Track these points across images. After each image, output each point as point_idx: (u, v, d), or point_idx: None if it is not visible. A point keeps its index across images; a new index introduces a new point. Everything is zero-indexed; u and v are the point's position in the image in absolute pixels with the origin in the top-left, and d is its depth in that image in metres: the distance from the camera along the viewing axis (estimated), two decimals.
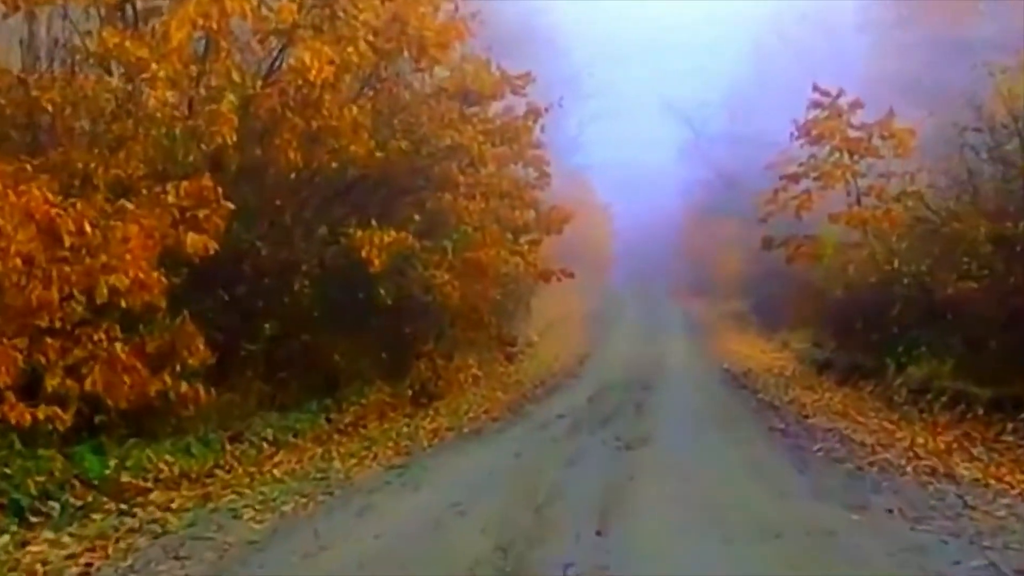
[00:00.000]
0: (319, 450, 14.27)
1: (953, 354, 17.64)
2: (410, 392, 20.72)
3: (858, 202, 22.72)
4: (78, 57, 13.29)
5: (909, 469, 11.50)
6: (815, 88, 23.12)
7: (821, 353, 24.53)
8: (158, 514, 9.70)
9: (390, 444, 14.73)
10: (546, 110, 23.20)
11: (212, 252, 12.86)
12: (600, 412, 18.15)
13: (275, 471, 12.37)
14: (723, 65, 48.57)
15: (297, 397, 17.26)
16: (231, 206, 13.22)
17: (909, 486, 10.48)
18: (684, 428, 16.05)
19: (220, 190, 13.06)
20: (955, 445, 13.15)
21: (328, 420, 16.96)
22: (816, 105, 23.08)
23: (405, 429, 16.36)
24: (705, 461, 12.60)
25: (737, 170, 43.68)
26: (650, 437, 14.64)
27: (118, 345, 11.54)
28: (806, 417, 16.90)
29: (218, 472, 12.43)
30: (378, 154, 17.24)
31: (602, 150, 51.90)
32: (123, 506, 10.02)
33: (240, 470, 12.52)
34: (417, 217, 18.34)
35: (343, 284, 17.75)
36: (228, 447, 13.76)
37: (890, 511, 9.06)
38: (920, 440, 13.60)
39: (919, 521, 8.65)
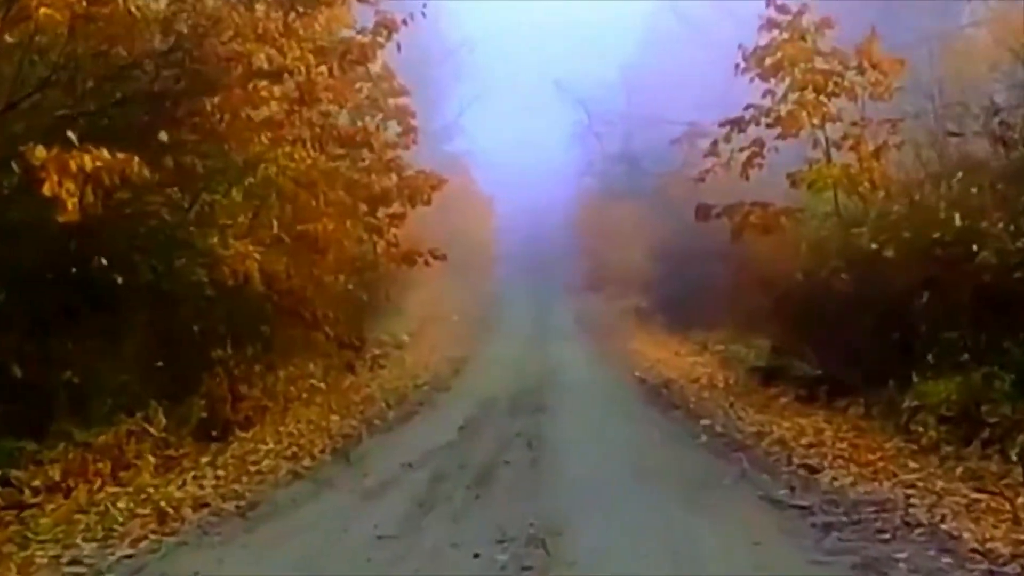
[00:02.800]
0: None
1: (1012, 365, 10.67)
2: (204, 417, 12.98)
3: (828, 157, 15.69)
4: None
5: None
6: (769, 3, 15.97)
7: (775, 359, 17.33)
8: None
9: (55, 551, 6.93)
10: (404, 22, 15.58)
11: None
12: (474, 458, 10.70)
13: None
14: (617, 42, 41.54)
15: None
16: None
17: None
18: (622, 500, 8.55)
19: None
20: None
21: (6, 483, 9.17)
22: (772, 25, 15.94)
23: (121, 505, 8.52)
24: None
25: (636, 153, 36.81)
26: (568, 529, 7.14)
27: None
28: (811, 470, 9.61)
29: None
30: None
31: (485, 135, 44.44)
32: None
33: None
34: (164, 138, 10.38)
35: (46, 247, 9.92)
36: None
37: None
38: None
39: None
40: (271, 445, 11.95)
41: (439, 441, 11.95)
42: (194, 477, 9.85)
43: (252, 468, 10.38)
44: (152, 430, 11.91)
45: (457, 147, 44.25)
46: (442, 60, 43.65)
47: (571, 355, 23.99)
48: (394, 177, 20.13)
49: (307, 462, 10.86)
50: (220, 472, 10.13)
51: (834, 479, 9.06)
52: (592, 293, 37.28)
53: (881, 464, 9.72)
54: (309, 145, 15.12)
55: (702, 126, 28.74)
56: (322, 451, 11.61)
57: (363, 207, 19.22)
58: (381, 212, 19.98)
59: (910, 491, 8.35)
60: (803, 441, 11.38)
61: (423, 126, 35.96)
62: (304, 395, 16.87)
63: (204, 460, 10.77)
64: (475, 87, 44.02)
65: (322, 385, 18.06)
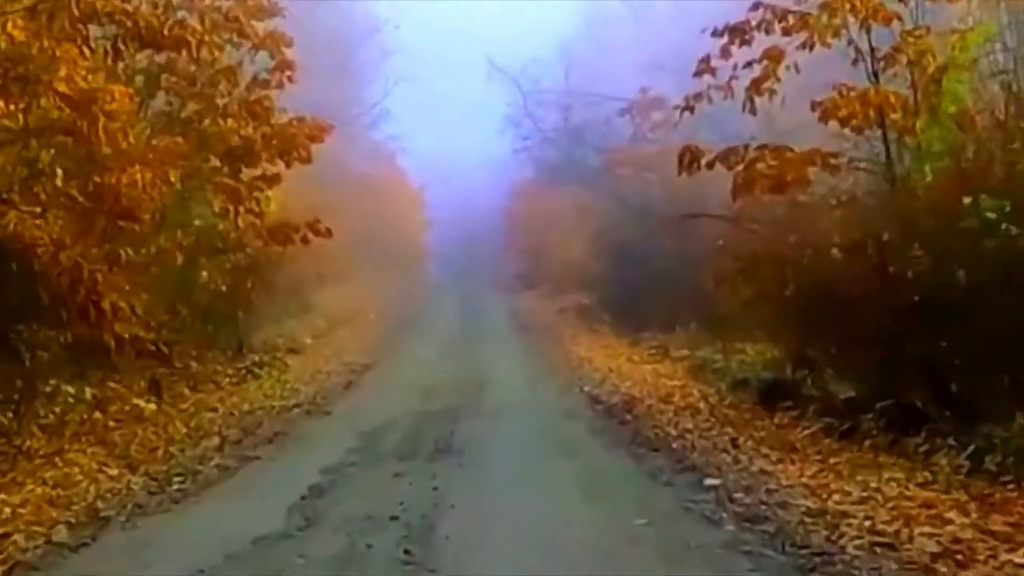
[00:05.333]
0: None
1: None
2: None
3: (875, 77, 10.06)
4: None
5: None
6: None
7: (782, 369, 11.62)
8: None
9: None
10: None
11: None
12: None
13: None
14: (552, 18, 35.99)
15: None
16: None
17: None
18: None
19: None
20: None
21: None
22: None
23: None
24: None
25: (576, 133, 31.29)
26: None
27: None
28: None
29: None
30: None
31: (413, 118, 38.49)
32: None
33: None
34: None
35: None
36: None
37: None
38: None
39: None
40: None
41: (247, 536, 6.06)
42: None
43: None
44: None
45: (383, 132, 38.61)
46: (366, 38, 38.02)
47: (502, 364, 18.10)
48: (266, 129, 14.31)
49: None
50: None
51: None
52: (529, 289, 31.45)
53: None
54: (89, 45, 9.30)
55: (655, 93, 23.68)
56: None
57: (214, 161, 13.46)
58: (244, 172, 14.20)
59: None
60: (919, 535, 5.68)
61: (344, 112, 29.85)
62: (111, 424, 10.95)
63: None
64: (402, 67, 38.38)
65: (152, 407, 12.11)
